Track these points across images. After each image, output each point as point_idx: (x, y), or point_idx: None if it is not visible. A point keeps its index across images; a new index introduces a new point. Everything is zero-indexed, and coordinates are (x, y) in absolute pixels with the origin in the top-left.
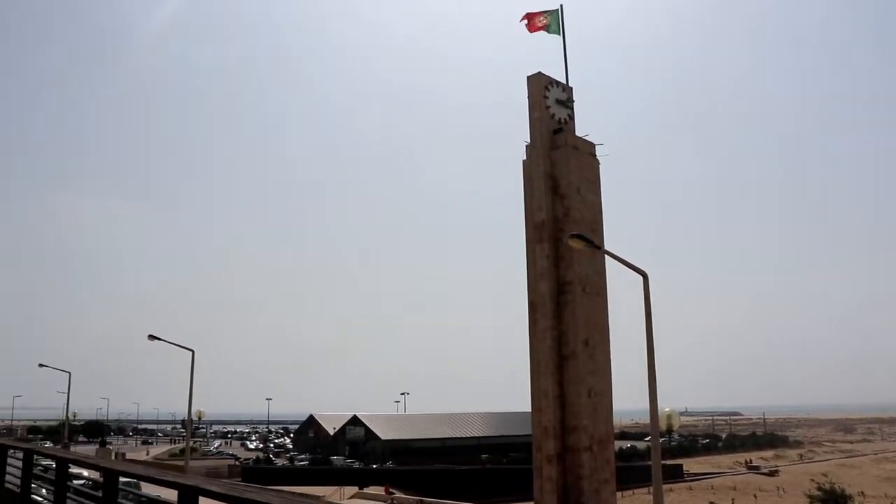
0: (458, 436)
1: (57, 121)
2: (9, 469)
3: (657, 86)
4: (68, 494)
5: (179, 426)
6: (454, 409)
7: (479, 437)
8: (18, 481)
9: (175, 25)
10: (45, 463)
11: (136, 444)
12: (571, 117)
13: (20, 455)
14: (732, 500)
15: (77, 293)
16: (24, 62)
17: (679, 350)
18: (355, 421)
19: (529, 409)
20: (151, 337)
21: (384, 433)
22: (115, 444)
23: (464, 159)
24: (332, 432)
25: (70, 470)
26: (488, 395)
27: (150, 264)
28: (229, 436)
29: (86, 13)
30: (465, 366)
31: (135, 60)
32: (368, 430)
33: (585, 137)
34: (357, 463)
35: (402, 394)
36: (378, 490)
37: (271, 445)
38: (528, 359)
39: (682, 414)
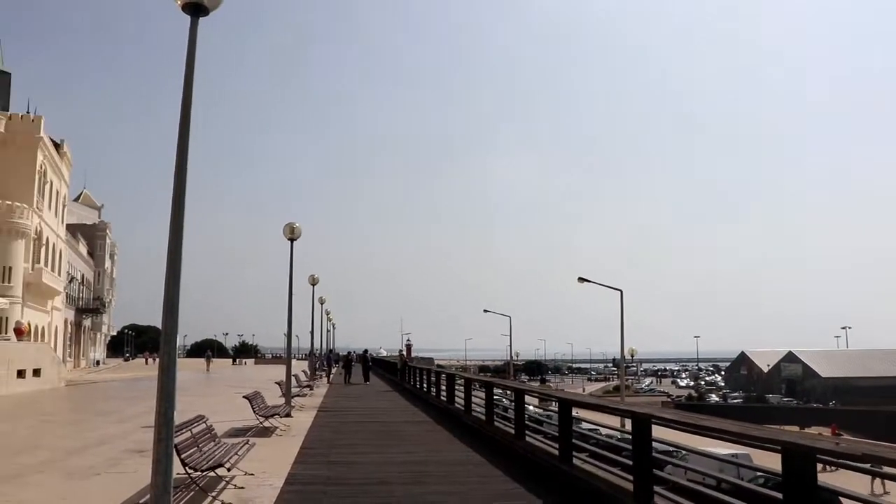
0: None
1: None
2: (474, 399)
3: None
4: (525, 421)
5: (611, 365)
6: None
7: None
8: (483, 409)
9: None
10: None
11: (572, 381)
12: None
13: (482, 388)
14: None
15: (508, 240)
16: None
17: None
18: (791, 357)
19: None
20: (581, 279)
21: (824, 370)
22: (553, 381)
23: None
24: (765, 369)
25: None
26: None
27: (569, 213)
28: (659, 374)
29: None
30: None
31: None
32: (806, 367)
33: None
34: (795, 402)
35: (843, 328)
36: (824, 431)
37: (702, 383)
38: None
39: None
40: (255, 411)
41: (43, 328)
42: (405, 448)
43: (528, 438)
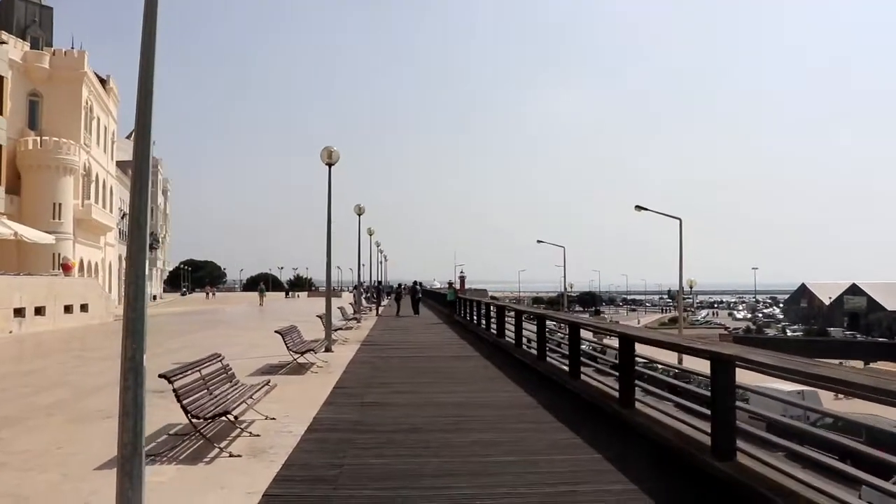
0: None
1: None
2: (525, 332)
3: None
4: (581, 357)
5: (666, 296)
6: None
7: None
8: (535, 344)
9: None
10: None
11: (626, 313)
12: None
13: (534, 321)
14: None
15: (564, 169)
16: None
17: None
18: (855, 290)
19: None
20: (638, 208)
21: (891, 303)
22: (607, 313)
23: None
24: (827, 302)
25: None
26: None
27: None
28: (716, 305)
29: None
30: None
31: None
32: (871, 300)
33: None
34: (859, 335)
35: None
36: (890, 366)
37: (760, 315)
38: None
39: None
40: (288, 347)
41: (96, 264)
42: (447, 387)
43: (583, 377)
